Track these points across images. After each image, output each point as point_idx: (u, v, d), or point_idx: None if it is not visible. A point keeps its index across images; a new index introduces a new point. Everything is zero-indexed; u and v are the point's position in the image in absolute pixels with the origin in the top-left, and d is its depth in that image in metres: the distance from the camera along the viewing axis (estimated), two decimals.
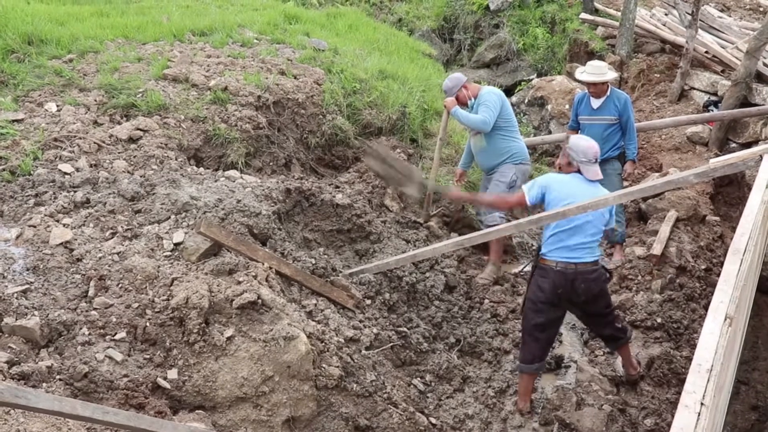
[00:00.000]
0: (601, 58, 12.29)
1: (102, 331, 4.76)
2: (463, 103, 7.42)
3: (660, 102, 11.13)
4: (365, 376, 5.45)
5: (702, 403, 2.74)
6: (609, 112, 7.77)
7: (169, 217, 5.71)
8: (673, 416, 6.01)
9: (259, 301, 5.03)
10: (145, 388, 4.58)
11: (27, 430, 3.80)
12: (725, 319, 3.41)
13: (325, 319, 5.62)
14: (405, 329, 6.23)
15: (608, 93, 7.80)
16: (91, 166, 6.37)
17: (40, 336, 4.56)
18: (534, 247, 8.12)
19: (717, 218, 8.53)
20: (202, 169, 6.99)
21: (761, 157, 5.43)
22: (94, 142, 6.68)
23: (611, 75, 7.97)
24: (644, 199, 8.46)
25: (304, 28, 10.99)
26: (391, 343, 6.01)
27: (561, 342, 6.97)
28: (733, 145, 9.89)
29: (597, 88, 7.78)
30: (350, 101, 8.93)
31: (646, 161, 9.87)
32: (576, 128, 8.21)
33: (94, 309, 4.86)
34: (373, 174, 7.64)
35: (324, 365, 5.19)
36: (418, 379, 6.09)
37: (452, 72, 7.68)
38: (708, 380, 2.89)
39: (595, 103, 7.84)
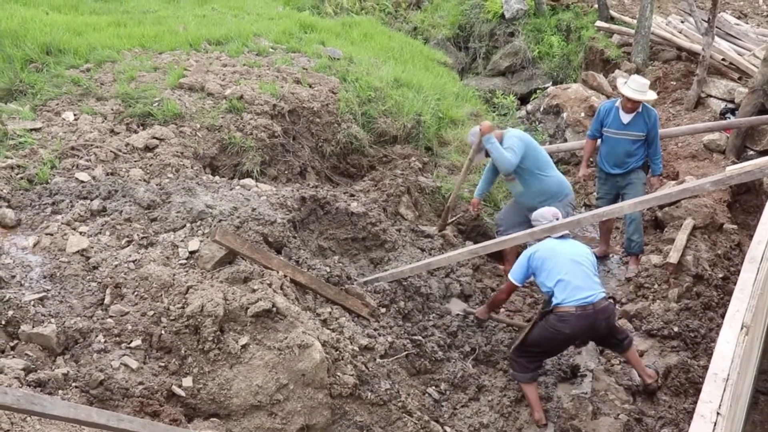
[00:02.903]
0: (617, 65, 12.25)
1: (118, 338, 4.79)
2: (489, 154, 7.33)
3: (676, 110, 11.06)
4: (380, 384, 5.44)
5: (718, 413, 2.72)
6: (639, 128, 7.69)
7: (185, 226, 5.73)
8: (689, 426, 5.97)
9: (274, 309, 5.04)
10: (160, 396, 4.60)
11: None
12: (742, 328, 3.38)
13: (339, 327, 5.62)
14: (420, 338, 6.22)
15: (640, 109, 7.71)
16: (107, 174, 6.41)
17: (57, 343, 4.59)
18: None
19: (734, 226, 8.45)
20: (217, 177, 7.02)
21: None
22: (111, 151, 6.73)
23: (652, 96, 7.87)
24: (660, 207, 8.41)
25: (319, 37, 11.03)
26: (406, 352, 6.00)
27: (578, 352, 6.93)
28: (751, 152, 9.80)
29: (635, 105, 7.67)
30: (365, 110, 8.94)
31: (663, 169, 9.81)
32: (596, 137, 8.11)
33: (110, 317, 4.89)
34: None
35: (338, 373, 5.19)
36: (433, 387, 6.08)
37: (478, 126, 7.48)
38: (724, 390, 2.86)
39: (626, 117, 7.73)
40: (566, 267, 5.82)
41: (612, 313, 5.83)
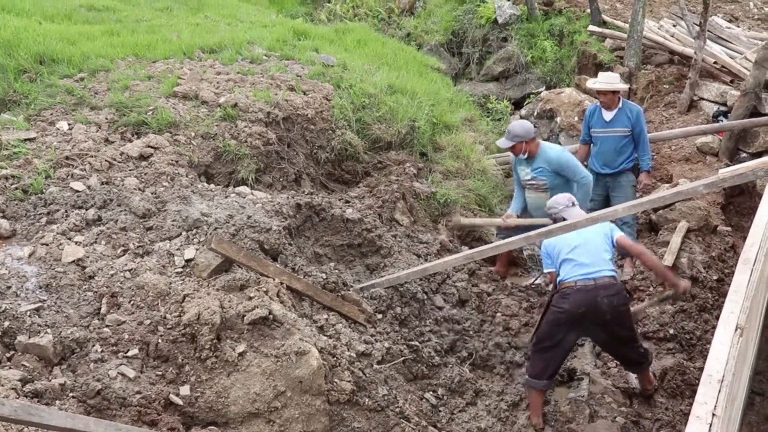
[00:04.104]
0: (610, 69, 12.27)
1: (114, 348, 4.79)
2: (514, 153, 7.32)
3: (669, 113, 11.10)
4: (377, 390, 5.45)
5: (714, 414, 2.73)
6: (622, 124, 7.79)
7: (180, 234, 5.74)
8: (686, 428, 5.98)
9: (271, 316, 5.05)
10: (157, 405, 4.60)
11: None
12: (736, 329, 3.40)
13: (336, 333, 5.63)
14: (416, 343, 6.23)
15: (620, 105, 7.83)
16: (102, 183, 6.41)
17: (53, 353, 4.59)
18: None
19: (728, 228, 8.49)
20: (212, 185, 7.02)
21: None
22: (106, 160, 6.73)
23: (621, 85, 8.02)
24: (655, 210, 8.43)
25: (312, 44, 11.04)
26: (403, 357, 6.01)
27: (575, 355, 6.94)
28: (744, 155, 9.85)
29: (607, 98, 7.80)
30: (359, 116, 8.95)
31: (656, 172, 9.84)
32: (588, 142, 8.20)
33: (107, 326, 4.89)
34: None
35: (336, 380, 5.20)
36: (431, 392, 6.09)
37: (515, 119, 7.39)
38: (719, 391, 2.88)
39: (608, 115, 7.86)
40: (571, 246, 5.89)
41: (618, 294, 5.73)
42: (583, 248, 5.86)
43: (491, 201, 8.95)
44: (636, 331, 6.15)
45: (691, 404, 6.09)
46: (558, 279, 5.91)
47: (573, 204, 6.39)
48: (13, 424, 3.77)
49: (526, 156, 7.30)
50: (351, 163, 8.72)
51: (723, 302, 7.15)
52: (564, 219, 6.20)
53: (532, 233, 6.03)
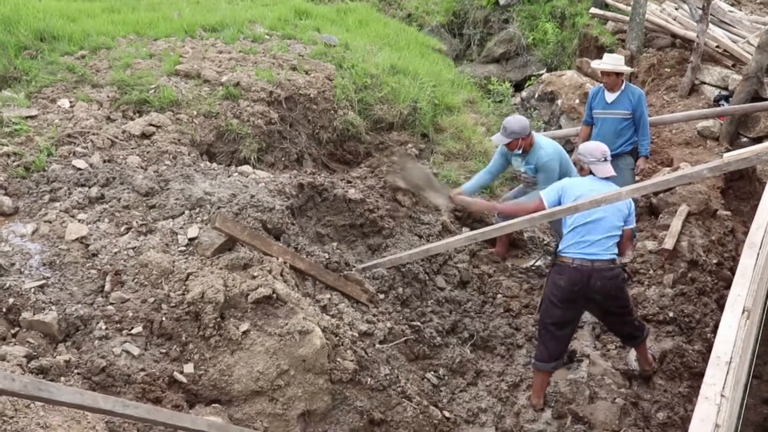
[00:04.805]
0: (612, 52, 12.26)
1: (119, 325, 4.79)
2: (509, 149, 7.17)
3: (670, 96, 11.10)
4: (379, 369, 5.48)
5: (722, 395, 2.75)
6: (623, 106, 7.78)
7: (183, 213, 5.73)
8: (685, 410, 6.04)
9: (274, 295, 5.06)
10: (161, 382, 4.61)
11: (47, 423, 3.83)
12: (743, 312, 3.42)
13: (339, 313, 5.65)
14: (418, 323, 6.25)
15: (623, 87, 7.83)
16: (105, 161, 6.39)
17: (58, 330, 4.59)
18: (546, 242, 8.19)
19: (728, 212, 8.52)
20: (215, 164, 7.00)
21: None
22: (108, 138, 6.70)
23: (625, 68, 8.01)
24: (655, 194, 8.46)
25: (314, 24, 10.99)
26: (405, 337, 6.04)
27: (575, 337, 6.97)
28: (744, 139, 9.88)
29: (611, 80, 7.79)
30: (361, 96, 8.92)
31: (656, 156, 9.86)
32: (590, 123, 8.19)
33: (111, 304, 4.89)
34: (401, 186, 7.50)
35: (339, 359, 5.22)
36: (432, 372, 6.12)
37: (508, 118, 7.19)
38: (727, 372, 2.90)
39: (610, 97, 7.87)
40: (587, 218, 5.75)
41: (613, 279, 5.72)
42: (597, 224, 5.72)
43: (492, 183, 8.93)
44: (630, 306, 6.13)
45: (689, 387, 6.18)
46: (559, 248, 5.88)
47: (606, 159, 6.00)
48: (20, 401, 3.78)
49: (521, 151, 7.20)
50: (353, 143, 8.71)
51: (722, 286, 7.22)
52: (591, 173, 6.01)
53: (536, 215, 6.02)
